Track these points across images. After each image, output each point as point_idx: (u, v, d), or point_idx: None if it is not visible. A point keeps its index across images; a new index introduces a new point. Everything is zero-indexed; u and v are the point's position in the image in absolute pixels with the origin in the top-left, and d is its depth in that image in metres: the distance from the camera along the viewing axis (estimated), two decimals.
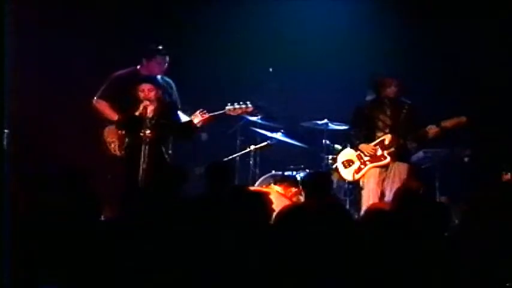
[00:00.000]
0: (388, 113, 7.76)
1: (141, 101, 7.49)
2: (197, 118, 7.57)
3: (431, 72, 9.12)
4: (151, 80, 7.65)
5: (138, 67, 7.98)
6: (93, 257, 4.65)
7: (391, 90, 7.71)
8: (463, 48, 9.03)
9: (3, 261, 4.44)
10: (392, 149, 7.69)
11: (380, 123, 7.78)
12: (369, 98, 7.94)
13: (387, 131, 7.74)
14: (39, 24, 8.67)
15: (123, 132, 7.66)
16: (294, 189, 8.10)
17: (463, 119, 7.54)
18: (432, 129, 7.56)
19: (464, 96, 8.87)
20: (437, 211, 4.92)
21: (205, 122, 7.63)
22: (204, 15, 9.41)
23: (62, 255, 4.59)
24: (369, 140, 7.78)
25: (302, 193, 8.06)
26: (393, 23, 9.30)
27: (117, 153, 7.76)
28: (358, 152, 7.81)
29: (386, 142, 7.71)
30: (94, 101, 7.94)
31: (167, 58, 7.96)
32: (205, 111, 7.59)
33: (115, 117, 7.77)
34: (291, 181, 8.30)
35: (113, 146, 7.77)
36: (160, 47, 7.96)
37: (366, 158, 7.77)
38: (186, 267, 4.61)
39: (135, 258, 4.66)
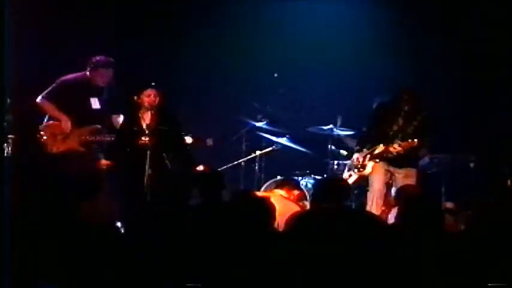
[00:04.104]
0: (401, 123, 7.65)
1: (141, 107, 7.46)
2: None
3: (437, 77, 9.08)
4: (155, 86, 7.57)
5: (88, 73, 7.79)
6: (94, 259, 4.65)
7: (405, 103, 7.59)
8: (475, 54, 9.01)
9: (3, 261, 4.45)
10: (377, 160, 7.63)
11: (391, 133, 7.67)
12: (375, 105, 7.93)
13: (395, 141, 7.65)
14: (41, 24, 8.67)
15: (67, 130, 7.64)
16: (296, 192, 8.10)
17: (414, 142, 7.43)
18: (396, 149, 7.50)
19: (470, 100, 8.87)
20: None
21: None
22: (209, 19, 9.42)
23: (62, 256, 4.60)
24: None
25: (307, 197, 8.13)
26: (401, 27, 9.28)
27: (53, 150, 7.67)
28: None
29: (376, 152, 7.64)
30: (39, 101, 7.76)
31: (111, 71, 7.76)
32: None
33: (62, 117, 7.69)
34: (293, 184, 8.30)
35: (50, 142, 7.69)
36: (105, 60, 7.74)
37: (355, 170, 7.80)
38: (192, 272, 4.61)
39: (137, 260, 4.66)
